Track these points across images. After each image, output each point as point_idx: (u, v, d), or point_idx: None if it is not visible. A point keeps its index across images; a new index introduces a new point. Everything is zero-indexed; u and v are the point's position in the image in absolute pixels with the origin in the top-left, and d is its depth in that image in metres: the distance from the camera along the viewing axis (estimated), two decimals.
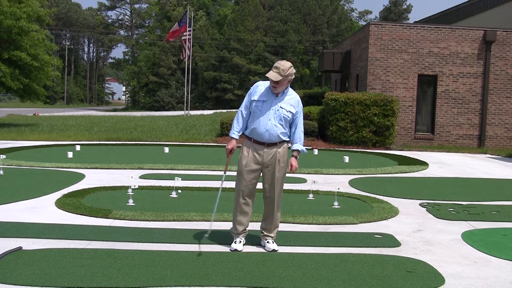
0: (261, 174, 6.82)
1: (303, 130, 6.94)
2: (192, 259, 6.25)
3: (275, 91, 6.69)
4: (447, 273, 6.01)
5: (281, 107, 6.68)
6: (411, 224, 8.46)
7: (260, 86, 6.86)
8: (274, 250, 6.70)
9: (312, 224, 8.24)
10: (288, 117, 6.70)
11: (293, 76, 6.70)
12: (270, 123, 6.65)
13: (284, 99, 6.74)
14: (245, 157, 6.77)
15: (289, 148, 6.89)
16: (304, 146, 6.88)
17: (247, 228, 6.99)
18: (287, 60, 6.73)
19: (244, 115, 6.88)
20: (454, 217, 9.05)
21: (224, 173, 7.24)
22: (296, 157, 6.82)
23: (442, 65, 23.21)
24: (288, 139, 6.86)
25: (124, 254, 6.38)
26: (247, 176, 6.75)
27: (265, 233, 6.91)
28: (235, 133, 6.88)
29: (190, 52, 45.45)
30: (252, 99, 6.81)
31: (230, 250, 6.68)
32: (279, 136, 6.69)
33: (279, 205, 6.90)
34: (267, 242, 6.83)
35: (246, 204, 6.84)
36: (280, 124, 6.67)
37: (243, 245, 6.84)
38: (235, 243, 6.79)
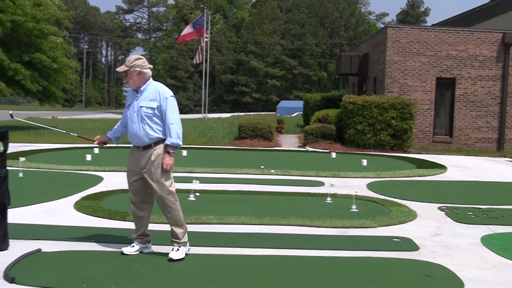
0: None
1: (173, 121, 6.37)
2: (210, 262, 6.26)
3: (129, 86, 6.47)
4: (466, 278, 5.97)
5: (140, 106, 6.39)
6: (430, 228, 8.42)
7: (129, 92, 6.70)
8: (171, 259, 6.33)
9: (330, 227, 8.21)
10: (150, 113, 6.35)
11: (145, 70, 6.44)
12: (135, 126, 6.41)
13: (143, 96, 6.44)
14: (128, 161, 6.65)
15: None
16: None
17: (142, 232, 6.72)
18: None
19: (122, 121, 6.77)
20: (473, 220, 8.99)
21: (77, 136, 7.76)
22: (168, 153, 6.35)
23: (461, 68, 23.08)
24: (165, 136, 6.41)
25: (142, 256, 6.41)
26: (129, 179, 6.62)
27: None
28: (110, 131, 6.89)
29: (208, 55, 45.49)
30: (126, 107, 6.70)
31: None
32: (148, 137, 6.36)
33: (167, 209, 6.44)
34: (172, 249, 6.46)
35: (137, 209, 6.64)
36: (144, 123, 6.36)
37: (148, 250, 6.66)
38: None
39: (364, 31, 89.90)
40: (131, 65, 6.40)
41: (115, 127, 6.89)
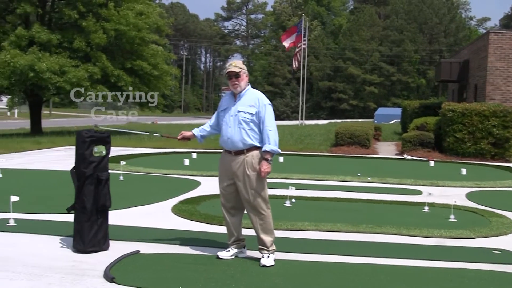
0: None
1: (272, 129, 6.37)
2: (304, 269, 6.26)
3: (238, 88, 6.41)
4: None
5: (238, 111, 6.41)
6: None
7: (224, 96, 6.75)
8: (264, 266, 6.34)
9: (427, 237, 8.06)
10: (248, 119, 6.36)
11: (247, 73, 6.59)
12: (230, 130, 6.41)
13: (241, 101, 6.47)
14: (219, 166, 6.66)
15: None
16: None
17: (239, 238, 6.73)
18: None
19: (211, 123, 6.87)
20: None
21: (161, 135, 8.14)
22: (266, 160, 6.33)
23: None
24: (259, 144, 6.41)
25: (236, 261, 6.49)
26: (221, 185, 6.63)
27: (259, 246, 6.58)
28: (196, 129, 6.94)
29: (306, 62, 45.58)
30: (218, 111, 6.75)
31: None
32: (242, 142, 6.36)
33: (259, 216, 6.45)
34: (262, 256, 6.48)
35: (229, 214, 6.62)
36: (240, 128, 6.36)
37: (234, 255, 6.64)
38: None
39: (465, 37, 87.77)
40: (242, 66, 6.51)
41: (202, 126, 7.00)
